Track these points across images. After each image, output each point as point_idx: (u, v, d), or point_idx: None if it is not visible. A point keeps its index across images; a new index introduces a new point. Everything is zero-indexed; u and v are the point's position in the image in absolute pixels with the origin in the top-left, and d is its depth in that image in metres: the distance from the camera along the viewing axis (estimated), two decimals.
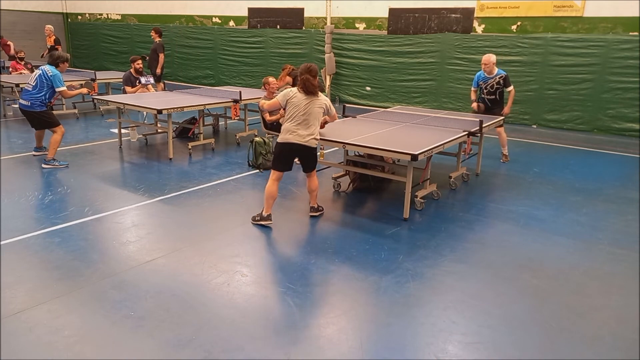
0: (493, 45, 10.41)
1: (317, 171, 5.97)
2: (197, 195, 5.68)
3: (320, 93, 4.78)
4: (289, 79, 7.81)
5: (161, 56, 10.71)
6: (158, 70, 10.64)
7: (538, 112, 10.22)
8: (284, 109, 4.82)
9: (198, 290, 3.61)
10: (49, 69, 6.47)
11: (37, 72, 6.55)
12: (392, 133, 5.70)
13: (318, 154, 5.10)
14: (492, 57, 7.15)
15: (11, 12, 17.70)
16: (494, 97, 7.20)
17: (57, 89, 6.49)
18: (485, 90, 7.25)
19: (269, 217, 4.80)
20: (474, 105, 7.45)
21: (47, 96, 6.51)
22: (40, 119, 6.59)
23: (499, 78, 7.10)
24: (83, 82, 8.53)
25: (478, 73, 7.40)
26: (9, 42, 14.52)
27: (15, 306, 3.32)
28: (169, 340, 3.00)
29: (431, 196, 5.70)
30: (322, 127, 5.02)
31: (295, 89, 4.74)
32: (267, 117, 7.29)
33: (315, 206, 5.16)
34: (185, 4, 15.58)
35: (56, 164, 6.58)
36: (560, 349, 3.04)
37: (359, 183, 6.09)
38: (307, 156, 4.84)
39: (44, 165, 6.55)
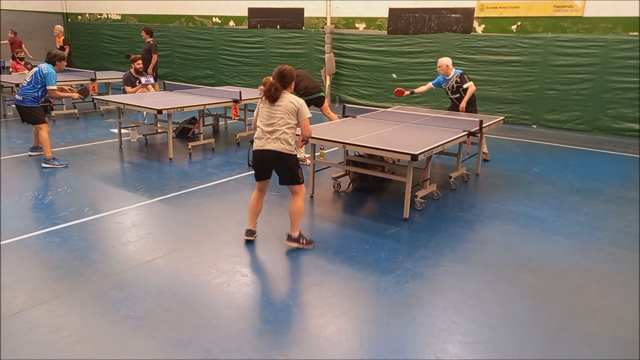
0: (493, 45, 10.41)
1: (316, 171, 5.99)
2: (197, 195, 5.68)
3: (289, 95, 4.23)
4: None
5: (154, 57, 10.62)
6: (149, 71, 10.45)
7: (538, 112, 10.22)
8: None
9: (198, 290, 3.61)
10: (45, 67, 6.55)
11: (35, 69, 6.65)
12: (392, 133, 5.70)
13: (305, 164, 4.89)
14: (444, 60, 7.46)
15: (11, 12, 17.70)
16: (458, 95, 7.44)
17: (47, 87, 6.54)
18: (449, 92, 7.54)
19: (249, 233, 4.42)
20: (402, 90, 7.66)
21: (39, 93, 6.58)
22: (29, 113, 6.64)
23: (456, 77, 7.38)
24: (82, 85, 8.52)
25: (440, 75, 7.56)
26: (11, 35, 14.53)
27: (15, 306, 3.32)
28: (169, 340, 3.00)
29: (431, 196, 5.70)
30: (301, 142, 4.51)
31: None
32: None
33: (296, 235, 4.35)
34: (185, 4, 15.57)
35: (56, 163, 6.59)
36: (560, 349, 3.04)
37: (359, 183, 6.09)
38: (280, 165, 4.26)
39: (44, 165, 6.56)
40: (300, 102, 4.24)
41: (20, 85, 6.85)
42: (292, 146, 4.23)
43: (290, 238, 4.34)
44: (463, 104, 7.30)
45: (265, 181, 4.42)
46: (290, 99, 4.20)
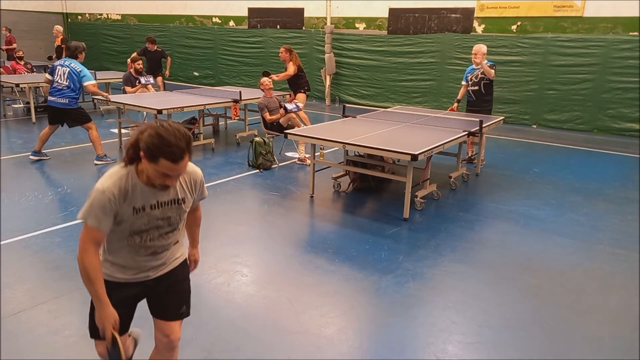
0: (493, 45, 10.40)
1: (316, 171, 5.97)
2: None
3: None
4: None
5: (169, 59, 11.32)
6: (167, 73, 11.29)
7: (538, 112, 10.22)
8: None
9: (198, 290, 3.60)
10: (75, 65, 6.39)
11: (63, 69, 6.36)
12: (392, 133, 5.70)
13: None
14: (482, 48, 6.79)
15: (11, 12, 17.68)
16: (477, 88, 6.89)
17: (87, 83, 6.41)
18: (470, 82, 6.98)
19: None
20: (452, 107, 7.40)
21: (78, 92, 6.54)
22: (77, 115, 6.59)
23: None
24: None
25: (469, 67, 7.18)
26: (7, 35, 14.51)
27: (15, 306, 3.32)
28: None
29: (431, 196, 5.69)
30: None
31: None
32: (267, 116, 7.28)
33: None
34: (185, 4, 15.57)
35: (108, 159, 6.74)
36: (560, 349, 3.04)
37: (359, 183, 6.09)
38: None
39: (96, 162, 6.69)
40: None
41: (57, 87, 6.38)
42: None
43: None
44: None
45: None
46: None
